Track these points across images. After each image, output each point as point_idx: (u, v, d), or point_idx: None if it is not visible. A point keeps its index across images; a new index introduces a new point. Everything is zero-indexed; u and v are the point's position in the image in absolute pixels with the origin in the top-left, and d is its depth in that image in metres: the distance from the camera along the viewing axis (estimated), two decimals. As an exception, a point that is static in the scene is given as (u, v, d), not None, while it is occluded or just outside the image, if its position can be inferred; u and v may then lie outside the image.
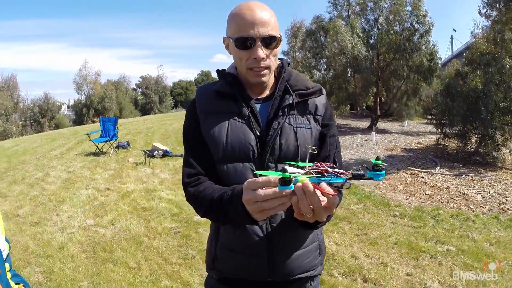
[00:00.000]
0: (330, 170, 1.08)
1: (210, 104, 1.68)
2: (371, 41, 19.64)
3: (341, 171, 1.07)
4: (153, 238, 5.76)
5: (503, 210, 7.12)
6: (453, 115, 11.64)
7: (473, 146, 11.96)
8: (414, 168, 10.39)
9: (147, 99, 65.24)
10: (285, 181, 1.03)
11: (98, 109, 48.82)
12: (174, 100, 73.25)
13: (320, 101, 1.75)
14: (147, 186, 8.60)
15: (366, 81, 19.39)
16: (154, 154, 11.80)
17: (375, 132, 16.62)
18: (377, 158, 1.04)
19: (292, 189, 1.06)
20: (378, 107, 21.39)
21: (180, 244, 5.54)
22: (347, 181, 1.06)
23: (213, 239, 1.78)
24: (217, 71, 1.77)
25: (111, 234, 5.91)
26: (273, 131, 1.60)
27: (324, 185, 1.08)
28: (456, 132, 12.21)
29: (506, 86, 10.59)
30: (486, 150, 11.23)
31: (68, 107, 65.60)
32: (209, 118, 1.65)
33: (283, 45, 24.33)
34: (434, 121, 13.96)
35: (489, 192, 8.22)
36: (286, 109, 1.65)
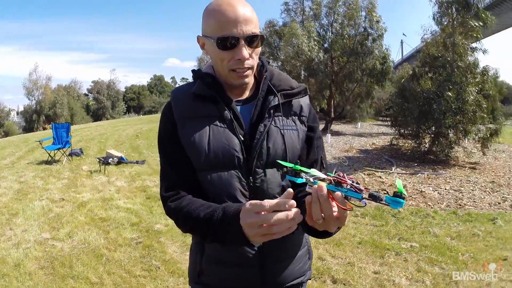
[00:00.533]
0: (349, 182, 1.05)
1: (188, 108, 1.53)
2: (325, 45, 19.93)
3: (360, 187, 1.03)
4: (113, 250, 5.55)
5: (460, 205, 7.34)
6: (408, 115, 11.92)
7: (427, 146, 12.28)
8: (371, 169, 10.59)
9: (99, 104, 64.12)
10: (295, 173, 1.03)
11: (49, 115, 47.52)
12: (126, 105, 72.26)
13: (305, 101, 1.67)
14: (103, 195, 8.34)
15: (321, 84, 19.61)
16: (109, 161, 11.42)
17: (330, 134, 16.83)
18: (400, 185, 1.00)
19: (301, 181, 1.05)
20: (332, 110, 21.68)
21: (142, 255, 5.34)
22: (363, 199, 1.02)
23: (198, 251, 1.65)
24: (193, 71, 1.63)
25: (69, 247, 5.64)
26: (259, 135, 1.49)
27: (338, 195, 1.05)
28: (410, 132, 12.52)
29: (458, 87, 10.93)
30: (439, 149, 11.57)
31: (18, 113, 63.70)
32: (188, 123, 1.51)
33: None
34: (389, 122, 14.25)
35: (445, 189, 8.47)
36: (271, 111, 1.54)
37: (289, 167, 1.15)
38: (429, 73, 12.12)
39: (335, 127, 22.42)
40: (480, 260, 4.95)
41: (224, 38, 1.38)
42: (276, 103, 1.55)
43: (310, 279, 1.80)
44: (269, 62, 1.70)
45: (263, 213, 1.08)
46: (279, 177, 1.54)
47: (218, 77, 1.57)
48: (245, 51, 1.41)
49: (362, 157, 12.68)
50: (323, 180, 1.08)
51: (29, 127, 47.03)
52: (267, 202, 1.07)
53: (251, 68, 1.48)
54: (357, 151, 13.92)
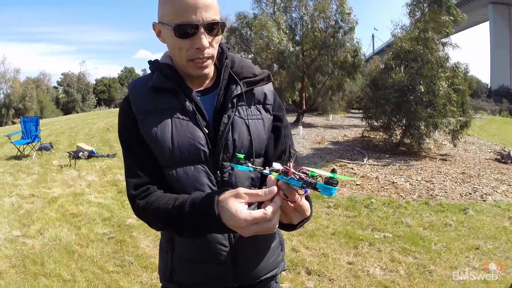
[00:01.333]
0: (292, 171, 1.03)
1: (148, 101, 1.44)
2: (296, 38, 19.94)
3: (302, 176, 1.01)
4: (86, 246, 5.41)
5: (431, 196, 7.43)
6: (379, 107, 12.03)
7: (398, 138, 12.42)
8: (343, 160, 10.63)
9: (69, 97, 62.90)
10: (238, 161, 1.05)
11: (18, 109, 46.40)
12: (97, 98, 71.03)
13: (269, 88, 1.59)
14: (74, 190, 8.16)
15: (293, 76, 19.61)
16: (79, 155, 11.20)
17: (301, 126, 16.86)
18: (333, 171, 0.98)
19: (246, 169, 1.10)
20: (304, 102, 21.73)
21: (115, 251, 5.23)
22: (304, 188, 1.00)
23: (168, 250, 1.58)
24: (150, 62, 1.55)
25: (41, 244, 5.48)
26: (223, 126, 1.42)
27: (280, 183, 1.06)
28: (382, 124, 12.64)
29: (428, 81, 11.07)
30: (411, 141, 11.72)
31: (-15, 108, 62.21)
32: (148, 117, 1.43)
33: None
34: (361, 114, 14.35)
35: (417, 180, 8.55)
36: (234, 101, 1.47)
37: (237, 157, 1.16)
38: (401, 66, 12.23)
39: (306, 119, 22.50)
40: (453, 249, 5.00)
41: (182, 25, 1.29)
42: (239, 92, 1.48)
43: (284, 270, 1.76)
44: (229, 49, 1.61)
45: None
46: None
47: (177, 67, 1.49)
48: (205, 40, 1.32)
49: (334, 149, 12.70)
50: (276, 171, 1.08)
51: (-3, 122, 45.96)
52: (266, 213, 1.06)
53: (211, 57, 1.40)
54: (329, 143, 13.96)
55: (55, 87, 66.73)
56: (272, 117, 1.56)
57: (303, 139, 14.93)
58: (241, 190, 1.11)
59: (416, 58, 11.62)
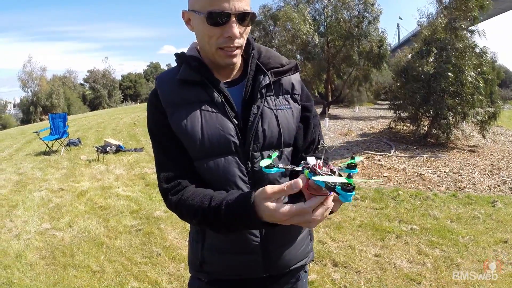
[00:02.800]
0: (317, 170, 1.03)
1: (176, 94, 1.45)
2: (321, 29, 19.75)
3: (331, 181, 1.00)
4: (114, 238, 5.51)
5: (459, 188, 7.33)
6: (408, 97, 11.87)
7: (426, 129, 12.26)
8: (370, 152, 10.57)
9: (96, 93, 63.75)
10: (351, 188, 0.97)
11: (45, 106, 47.11)
12: (123, 94, 71.75)
13: (296, 78, 1.59)
14: (102, 184, 8.30)
15: (319, 67, 19.48)
16: (107, 150, 11.36)
17: (328, 118, 16.76)
18: (352, 162, 1.02)
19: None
20: (330, 94, 21.59)
21: (143, 242, 5.31)
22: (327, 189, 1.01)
23: (198, 241, 1.60)
24: (177, 55, 1.54)
25: (70, 237, 5.59)
26: (253, 117, 1.43)
27: (310, 182, 1.06)
28: (409, 115, 12.48)
29: (457, 70, 10.88)
30: (438, 132, 11.55)
31: (15, 106, 63.36)
32: (178, 110, 1.43)
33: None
34: (388, 105, 14.18)
35: (445, 172, 8.45)
36: (263, 91, 1.47)
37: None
38: (430, 55, 12.04)
39: (333, 111, 22.37)
40: (481, 242, 4.95)
41: (214, 13, 1.29)
42: (267, 82, 1.48)
43: (313, 260, 1.77)
44: (255, 40, 1.61)
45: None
46: (278, 160, 1.49)
47: (204, 59, 1.49)
48: (236, 29, 1.32)
49: (361, 140, 12.63)
50: (308, 167, 1.07)
51: (26, 119, 46.57)
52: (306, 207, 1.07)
53: (240, 47, 1.40)
54: (356, 134, 13.87)
55: (81, 84, 67.54)
56: (300, 107, 1.57)
57: (330, 131, 14.86)
58: (269, 190, 1.12)
59: (445, 47, 11.40)
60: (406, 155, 10.03)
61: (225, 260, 1.55)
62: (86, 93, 65.06)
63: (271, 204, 1.10)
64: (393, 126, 13.68)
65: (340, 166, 1.06)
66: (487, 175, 8.28)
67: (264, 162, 1.16)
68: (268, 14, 20.59)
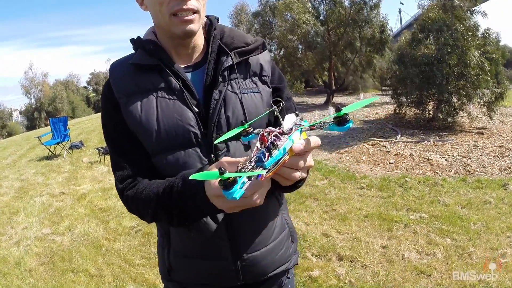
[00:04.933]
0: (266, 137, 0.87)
1: (129, 82, 1.29)
2: (321, 17, 19.52)
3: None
4: (113, 240, 5.40)
5: (469, 172, 7.11)
6: (409, 83, 11.66)
7: (431, 112, 12.04)
8: (375, 139, 10.33)
9: (99, 95, 63.99)
10: (226, 185, 0.78)
11: (49, 111, 47.32)
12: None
13: (265, 58, 1.42)
14: (103, 185, 8.18)
15: (320, 56, 19.30)
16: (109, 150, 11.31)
17: (332, 107, 16.51)
18: (338, 110, 0.84)
19: (240, 196, 0.79)
20: (333, 82, 21.39)
21: (142, 243, 5.20)
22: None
23: (164, 246, 1.46)
24: (132, 40, 1.37)
25: (69, 241, 5.51)
26: (214, 103, 1.27)
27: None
28: (413, 99, 12.26)
29: (459, 51, 10.64)
30: (444, 115, 11.33)
31: (21, 113, 63.74)
32: (131, 100, 1.28)
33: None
34: (390, 92, 13.96)
35: (453, 156, 8.22)
36: (225, 74, 1.31)
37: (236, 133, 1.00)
38: (429, 38, 11.81)
39: (337, 99, 22.12)
40: (493, 229, 4.73)
41: None
42: (230, 63, 1.31)
43: (297, 264, 1.60)
44: (218, 20, 1.44)
45: None
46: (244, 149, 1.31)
47: (161, 40, 1.33)
48: None
49: (366, 127, 12.40)
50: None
51: (31, 125, 46.86)
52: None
53: (196, 12, 1.22)
54: (361, 121, 13.65)
55: (85, 87, 67.80)
56: (271, 90, 1.41)
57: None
58: (225, 159, 0.98)
59: (442, 28, 11.15)
60: (413, 140, 9.80)
61: (193, 267, 1.39)
62: (90, 95, 65.26)
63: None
64: (398, 111, 13.44)
65: (323, 123, 0.88)
66: (497, 157, 8.04)
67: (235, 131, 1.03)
68: (267, 5, 20.37)
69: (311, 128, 0.91)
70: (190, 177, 0.80)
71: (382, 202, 5.81)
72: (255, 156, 0.83)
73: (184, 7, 1.17)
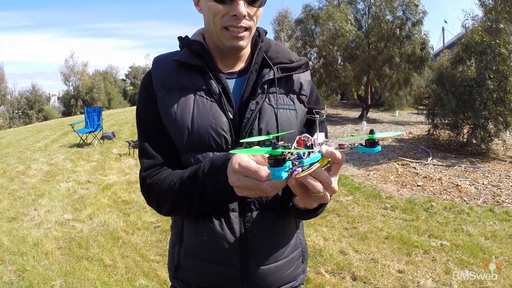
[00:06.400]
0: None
1: (170, 78, 1.33)
2: (362, 30, 19.43)
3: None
4: (131, 233, 5.49)
5: (497, 202, 6.92)
6: (446, 104, 11.45)
7: (465, 137, 11.80)
8: (405, 159, 10.16)
9: (136, 89, 64.81)
10: (277, 161, 0.79)
11: (86, 100, 48.12)
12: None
13: (305, 77, 1.44)
14: (129, 178, 8.31)
15: (359, 70, 19.18)
16: (138, 144, 11.46)
17: (366, 122, 16.44)
18: (371, 132, 0.89)
19: (284, 177, 0.81)
20: (369, 97, 21.22)
21: (159, 240, 5.28)
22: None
23: (175, 243, 1.46)
24: (180, 38, 1.42)
25: (88, 229, 5.63)
26: (250, 113, 1.29)
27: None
28: (448, 122, 12.04)
29: (500, 75, 10.40)
30: (478, 141, 11.08)
31: (59, 98, 65.03)
32: (169, 95, 1.32)
33: (269, 35, 24.89)
34: (425, 111, 13.75)
35: (483, 184, 8.02)
36: (265, 86, 1.33)
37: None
38: (471, 60, 11.59)
39: (372, 114, 21.93)
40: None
41: None
42: (271, 77, 1.33)
43: (303, 284, 1.59)
44: (266, 33, 1.47)
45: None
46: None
47: (209, 44, 1.38)
48: (243, 7, 1.20)
49: (398, 146, 12.24)
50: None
51: (67, 112, 47.71)
52: (260, 170, 0.94)
53: (248, 29, 1.27)
54: (393, 140, 13.46)
55: (123, 80, 68.80)
56: (306, 110, 1.43)
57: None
58: (240, 158, 1.00)
59: (486, 51, 10.91)
60: (444, 164, 9.61)
61: (200, 268, 1.40)
62: (127, 88, 66.14)
63: (243, 155, 0.99)
64: (433, 132, 13.22)
65: (354, 144, 0.92)
66: (529, 189, 7.83)
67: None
68: (310, 13, 20.35)
69: (341, 147, 0.92)
70: (232, 151, 0.86)
71: (405, 225, 5.71)
72: (296, 153, 0.86)
73: (237, 24, 1.23)
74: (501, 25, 10.98)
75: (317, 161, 0.89)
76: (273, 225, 1.28)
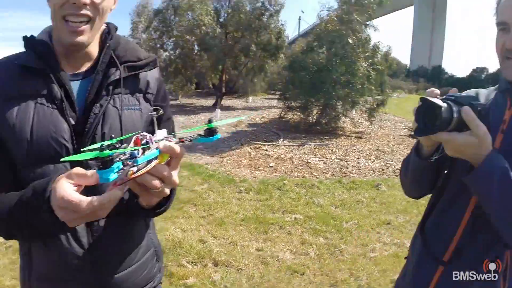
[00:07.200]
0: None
1: (12, 84, 1.14)
2: (221, 20, 19.68)
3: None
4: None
5: (345, 173, 7.38)
6: (297, 88, 12.01)
7: (315, 118, 12.43)
8: (258, 142, 10.42)
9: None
10: (104, 163, 0.75)
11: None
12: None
13: (153, 75, 1.34)
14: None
15: (215, 58, 19.28)
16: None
17: (219, 110, 16.56)
18: (209, 121, 0.91)
19: (112, 179, 0.77)
20: (223, 85, 21.45)
21: (12, 261, 4.36)
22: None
23: (25, 267, 1.29)
24: (25, 38, 1.22)
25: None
26: (93, 118, 1.16)
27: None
28: (299, 104, 12.61)
29: (348, 61, 11.16)
30: (327, 120, 11.78)
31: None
32: (9, 105, 1.13)
33: (125, 29, 24.20)
34: (278, 95, 14.30)
35: (331, 159, 8.50)
36: (110, 87, 1.21)
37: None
38: (322, 48, 12.27)
39: (226, 102, 22.22)
40: (364, 226, 4.95)
41: None
42: (117, 77, 1.22)
43: (161, 283, 1.50)
44: (116, 29, 1.33)
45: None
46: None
47: (55, 44, 1.20)
48: None
49: (251, 131, 12.52)
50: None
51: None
52: (85, 204, 0.85)
53: (89, 21, 1.11)
54: (246, 125, 13.74)
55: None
56: (152, 108, 1.30)
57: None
58: (76, 170, 0.90)
59: (334, 40, 11.67)
60: (294, 144, 10.02)
61: None
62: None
63: (64, 183, 0.88)
64: (284, 115, 13.74)
65: (193, 136, 0.92)
66: (372, 160, 8.46)
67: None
68: (170, 3, 20.00)
69: (181, 140, 0.92)
70: (62, 160, 0.82)
71: (259, 205, 5.82)
72: (129, 153, 0.81)
73: (77, 12, 1.08)
74: (354, 16, 11.77)
75: (155, 158, 0.86)
76: (122, 230, 1.20)
